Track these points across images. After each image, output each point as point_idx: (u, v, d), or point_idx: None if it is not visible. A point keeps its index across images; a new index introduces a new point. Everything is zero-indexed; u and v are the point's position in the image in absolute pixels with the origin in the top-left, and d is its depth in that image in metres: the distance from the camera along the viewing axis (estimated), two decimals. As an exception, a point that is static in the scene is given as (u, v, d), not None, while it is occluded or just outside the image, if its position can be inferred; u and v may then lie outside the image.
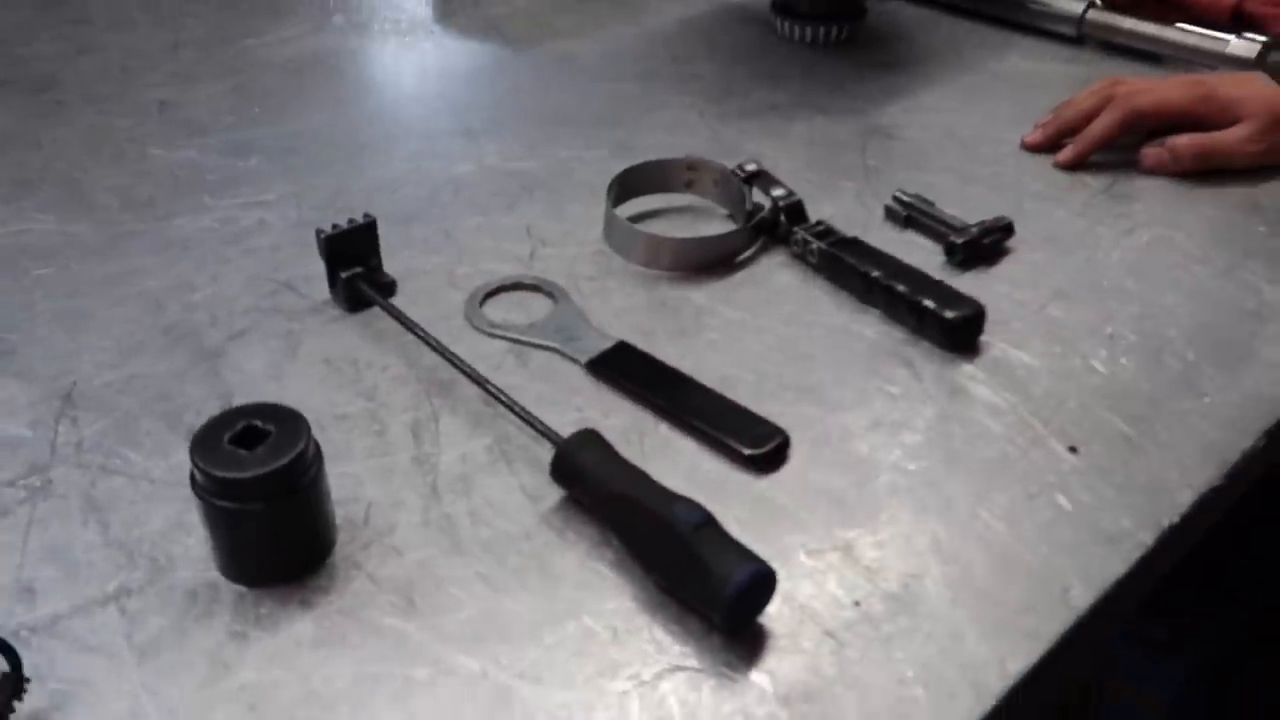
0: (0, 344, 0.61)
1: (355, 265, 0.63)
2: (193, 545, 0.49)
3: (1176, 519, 0.52)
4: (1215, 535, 0.66)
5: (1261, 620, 1.12)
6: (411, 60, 0.98)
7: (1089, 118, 0.78)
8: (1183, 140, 0.76)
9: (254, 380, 0.58)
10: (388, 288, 0.64)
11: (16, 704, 0.41)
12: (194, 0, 1.05)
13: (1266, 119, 0.75)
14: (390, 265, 0.65)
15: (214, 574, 0.48)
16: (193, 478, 0.46)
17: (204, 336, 0.62)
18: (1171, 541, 0.52)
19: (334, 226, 0.63)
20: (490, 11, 1.05)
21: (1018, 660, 0.45)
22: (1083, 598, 0.48)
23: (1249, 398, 0.59)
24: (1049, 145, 0.80)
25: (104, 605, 0.46)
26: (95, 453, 0.54)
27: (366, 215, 0.63)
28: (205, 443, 0.45)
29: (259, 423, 0.46)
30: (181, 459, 0.53)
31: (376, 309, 0.63)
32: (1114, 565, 0.49)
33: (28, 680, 0.41)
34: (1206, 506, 0.53)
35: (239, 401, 0.56)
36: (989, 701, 0.44)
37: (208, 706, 0.43)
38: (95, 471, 0.53)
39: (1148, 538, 0.51)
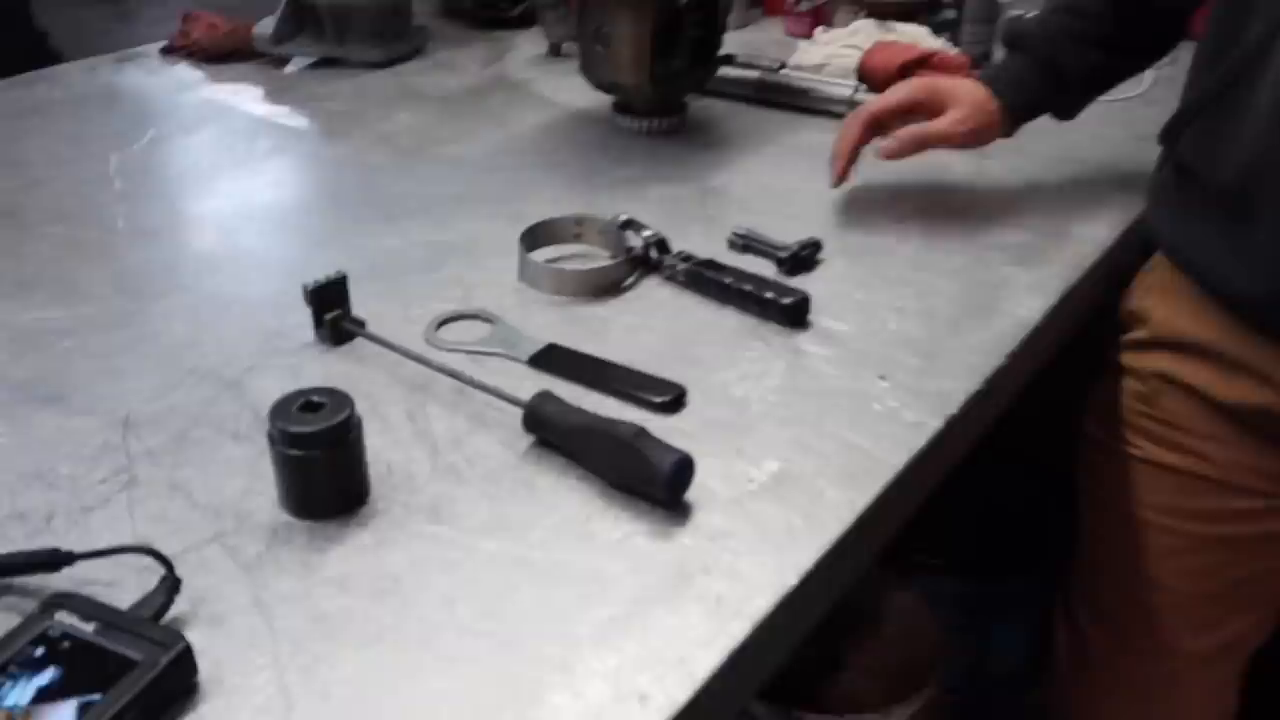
0: (54, 393, 0.76)
1: (333, 310, 0.82)
2: (264, 502, 0.66)
3: (954, 410, 0.75)
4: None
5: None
6: (320, 167, 1.17)
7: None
8: (904, 130, 0.97)
9: (273, 396, 0.75)
10: (361, 324, 0.82)
11: (176, 597, 0.57)
12: (118, 137, 1.21)
13: (970, 106, 0.98)
14: (354, 314, 0.84)
15: (286, 516, 0.65)
16: (271, 437, 0.63)
17: (222, 373, 0.78)
18: (953, 428, 0.75)
19: (315, 281, 0.81)
20: (379, 128, 1.25)
21: (861, 500, 0.67)
22: (898, 459, 0.70)
23: (997, 335, 0.83)
24: (844, 173, 1.00)
25: (209, 544, 0.63)
26: (164, 455, 0.70)
27: (338, 272, 0.82)
28: (280, 411, 0.63)
29: (316, 398, 0.64)
30: (236, 452, 0.70)
31: (355, 343, 0.82)
32: (916, 440, 0.72)
33: (180, 580, 0.57)
34: (973, 407, 0.77)
35: (264, 414, 0.73)
36: (846, 524, 0.65)
37: (308, 590, 0.59)
38: (169, 466, 0.69)
39: (937, 423, 0.74)
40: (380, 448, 0.70)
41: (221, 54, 1.46)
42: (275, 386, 0.76)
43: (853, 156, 1.00)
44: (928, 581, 1.38)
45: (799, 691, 1.16)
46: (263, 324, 0.85)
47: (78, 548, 0.62)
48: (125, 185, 1.10)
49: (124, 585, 0.59)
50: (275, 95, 1.37)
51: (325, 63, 1.45)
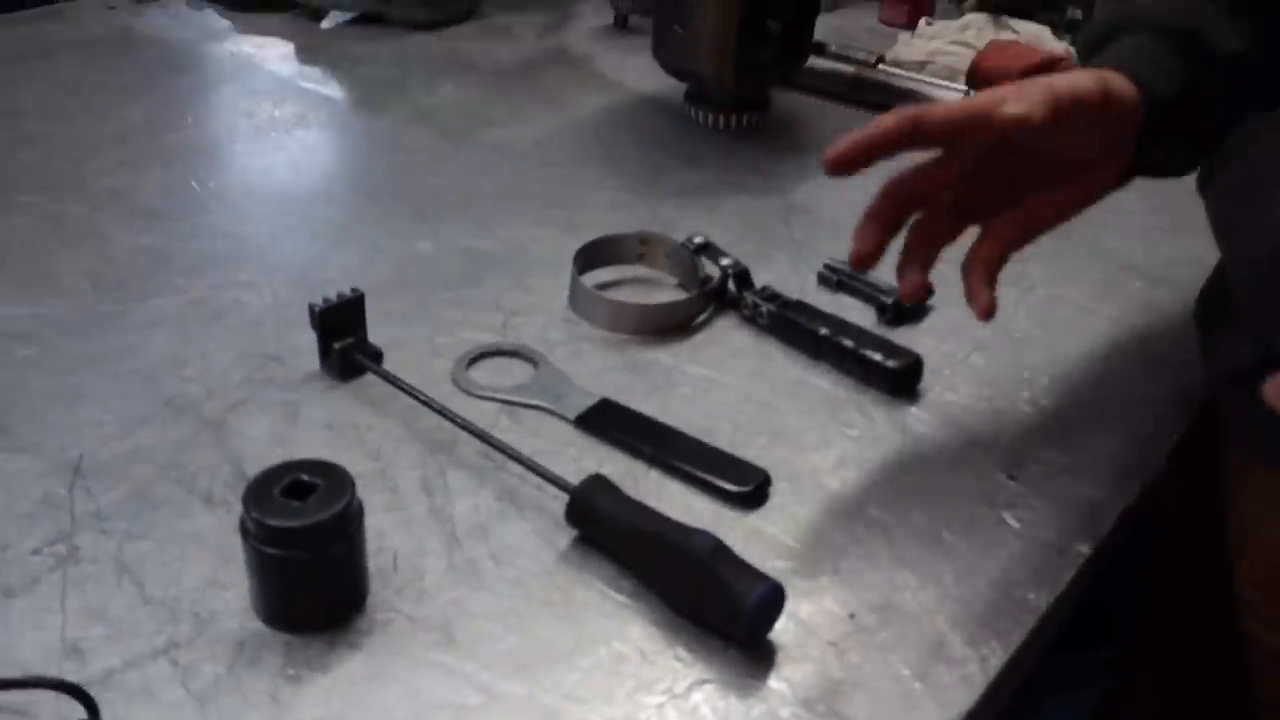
0: (-3, 422, 0.62)
1: (345, 337, 0.67)
2: (231, 599, 0.52)
3: (1106, 530, 0.60)
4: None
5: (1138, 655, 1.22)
6: (348, 145, 1.02)
7: None
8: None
9: (260, 446, 0.61)
10: (376, 357, 0.68)
11: (98, 749, 0.43)
12: (126, 91, 1.07)
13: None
14: (372, 337, 0.69)
15: (257, 624, 0.51)
16: (245, 528, 0.49)
17: (203, 408, 0.64)
18: (1104, 553, 0.60)
19: (325, 300, 0.66)
20: (420, 102, 1.10)
21: (995, 657, 0.52)
22: (1041, 600, 0.55)
23: (1153, 424, 0.68)
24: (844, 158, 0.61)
25: (155, 659, 0.49)
26: (117, 519, 0.56)
27: (354, 290, 0.67)
28: (258, 495, 0.49)
29: (306, 477, 0.49)
30: (205, 521, 0.56)
31: (367, 378, 0.67)
32: (1062, 571, 0.57)
33: (107, 726, 0.43)
34: (1126, 522, 0.62)
35: (250, 467, 0.59)
36: (978, 691, 0.50)
37: (276, 743, 0.45)
38: (120, 536, 0.55)
39: (1084, 548, 0.58)
40: (386, 529, 0.56)
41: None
42: (265, 431, 0.63)
43: (868, 149, 0.61)
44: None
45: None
46: (260, 343, 0.70)
47: (-10, 647, 0.48)
48: (124, 152, 0.96)
49: (39, 716, 0.46)
50: (307, 54, 1.22)
51: (366, 19, 1.30)
